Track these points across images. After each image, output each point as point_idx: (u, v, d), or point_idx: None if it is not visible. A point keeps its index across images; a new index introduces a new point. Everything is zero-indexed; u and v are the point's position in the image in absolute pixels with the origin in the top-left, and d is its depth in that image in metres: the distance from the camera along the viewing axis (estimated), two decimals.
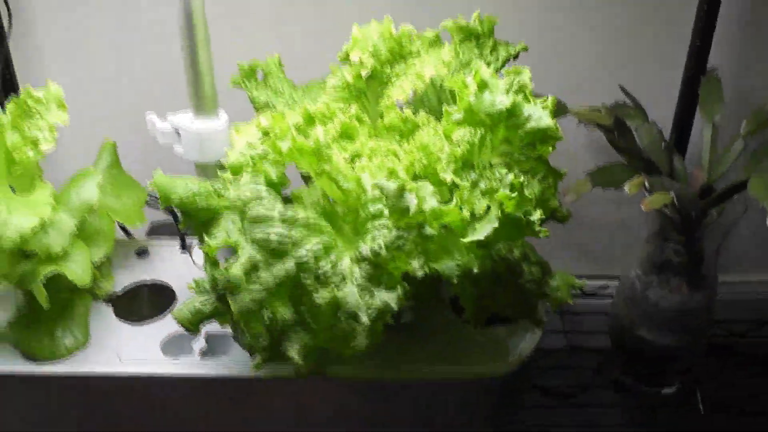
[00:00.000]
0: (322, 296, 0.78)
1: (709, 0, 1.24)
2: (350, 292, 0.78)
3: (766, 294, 1.62)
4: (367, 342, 0.79)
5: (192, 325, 0.93)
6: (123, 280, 1.17)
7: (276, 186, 0.91)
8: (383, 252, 0.78)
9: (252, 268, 0.80)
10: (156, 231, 1.38)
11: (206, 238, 0.93)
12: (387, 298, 0.78)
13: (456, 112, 0.85)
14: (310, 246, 0.81)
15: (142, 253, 1.22)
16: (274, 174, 0.87)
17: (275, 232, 0.81)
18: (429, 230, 0.78)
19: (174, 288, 1.15)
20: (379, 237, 0.80)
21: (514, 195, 0.79)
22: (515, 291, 0.91)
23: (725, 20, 1.32)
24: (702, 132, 1.24)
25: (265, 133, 0.86)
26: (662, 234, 1.23)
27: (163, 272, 1.18)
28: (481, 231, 0.78)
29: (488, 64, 1.04)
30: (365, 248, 0.80)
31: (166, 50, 1.35)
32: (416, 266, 0.79)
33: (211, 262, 0.90)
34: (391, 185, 0.78)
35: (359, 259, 0.80)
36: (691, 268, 1.23)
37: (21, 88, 1.33)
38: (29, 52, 1.37)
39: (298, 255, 0.80)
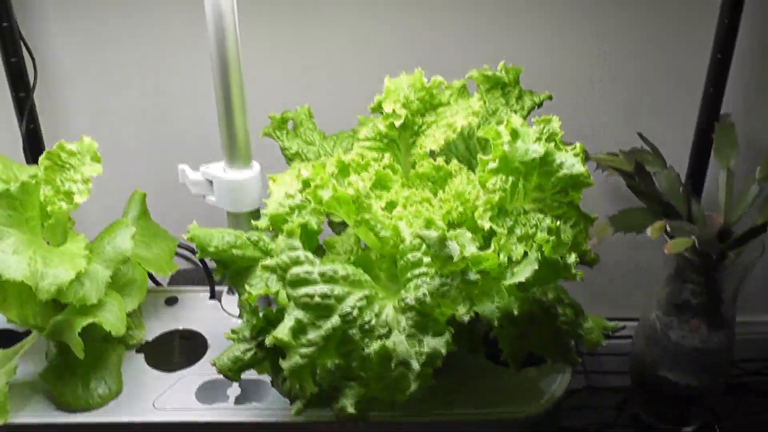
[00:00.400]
0: (372, 347, 0.80)
1: (722, 49, 1.27)
2: (399, 341, 0.80)
3: None
4: (419, 387, 0.80)
5: (232, 373, 0.94)
6: (153, 328, 1.18)
7: (314, 234, 0.93)
8: (428, 299, 0.80)
9: (299, 330, 0.81)
10: (178, 279, 1.40)
11: (247, 287, 0.94)
12: (436, 344, 0.80)
13: (491, 161, 0.88)
14: (353, 300, 0.83)
15: (171, 301, 1.23)
16: (315, 223, 0.89)
17: (318, 291, 0.82)
18: (473, 276, 0.80)
19: (205, 335, 1.17)
20: (422, 285, 0.81)
21: (552, 238, 0.81)
22: (551, 332, 0.93)
23: (738, 68, 1.35)
24: (717, 177, 1.26)
25: (305, 183, 0.88)
26: (681, 275, 1.25)
27: (193, 320, 1.20)
28: (522, 273, 0.80)
29: (514, 112, 1.07)
30: (410, 297, 0.81)
31: (193, 103, 1.38)
32: (462, 312, 0.80)
33: (252, 310, 0.92)
34: (433, 234, 0.80)
35: (404, 308, 0.81)
36: (710, 308, 1.25)
37: (46, 142, 1.37)
38: (55, 106, 1.39)
39: (343, 310, 0.82)
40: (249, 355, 0.93)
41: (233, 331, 0.96)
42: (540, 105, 1.10)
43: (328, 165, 0.96)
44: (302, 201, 0.93)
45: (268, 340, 0.81)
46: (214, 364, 0.95)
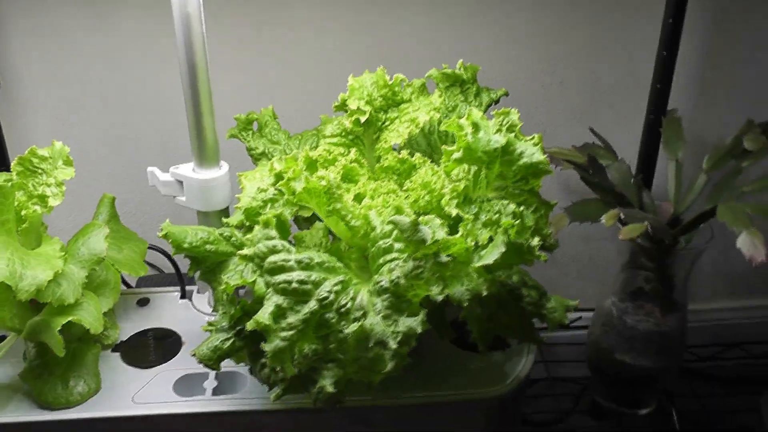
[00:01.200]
0: (350, 328, 0.84)
1: (668, 47, 1.34)
2: (375, 322, 0.84)
3: (729, 319, 1.70)
4: (395, 366, 0.84)
5: (212, 362, 0.97)
6: (127, 328, 1.21)
7: (287, 226, 0.97)
8: (402, 281, 0.84)
9: (279, 314, 0.85)
10: (145, 281, 1.42)
11: (224, 278, 0.98)
12: (411, 323, 0.84)
13: (455, 152, 0.92)
14: (329, 285, 0.86)
15: (143, 302, 1.26)
16: (288, 214, 0.93)
17: (295, 278, 0.86)
18: (444, 257, 0.84)
19: (179, 333, 1.20)
20: (396, 268, 0.85)
21: (517, 222, 0.86)
22: (517, 313, 0.97)
23: (683, 65, 1.41)
24: (666, 168, 1.32)
25: (278, 176, 0.92)
26: (635, 262, 1.31)
27: (166, 319, 1.23)
28: (490, 256, 0.84)
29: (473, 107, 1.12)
30: (384, 280, 0.85)
31: (157, 106, 1.40)
32: (436, 291, 0.84)
33: (229, 300, 0.95)
34: (406, 219, 0.84)
35: (379, 291, 0.85)
36: (663, 293, 1.30)
37: (9, 147, 1.39)
38: (17, 114, 1.41)
39: (320, 295, 0.86)
40: (228, 344, 0.96)
41: (210, 324, 0.99)
42: (497, 101, 1.14)
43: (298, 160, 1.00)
44: (274, 194, 0.97)
45: (250, 325, 0.84)
46: (194, 355, 0.98)
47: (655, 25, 1.36)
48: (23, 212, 1.08)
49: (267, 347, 0.85)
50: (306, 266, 0.86)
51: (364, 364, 0.86)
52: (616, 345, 1.32)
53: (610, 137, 1.37)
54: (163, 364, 1.14)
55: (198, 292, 1.27)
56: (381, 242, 0.89)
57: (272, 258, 0.86)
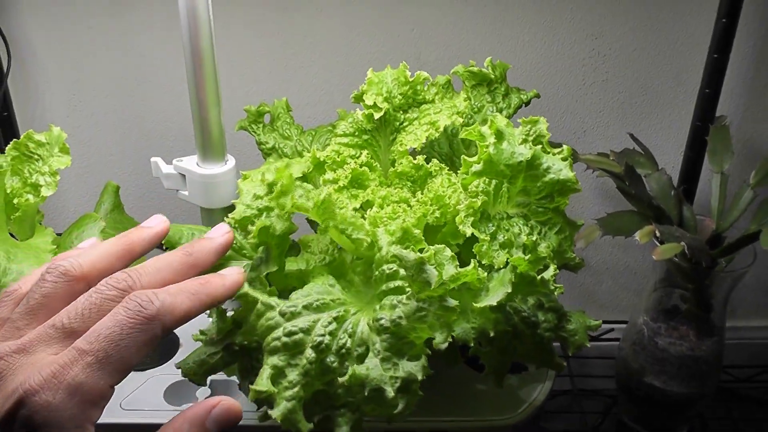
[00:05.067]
0: (345, 376, 0.76)
1: (718, 49, 1.24)
2: (374, 366, 0.76)
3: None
4: (407, 405, 0.76)
5: (198, 377, 0.90)
6: None
7: (285, 236, 0.89)
8: (404, 323, 0.76)
9: (278, 374, 0.77)
10: None
11: None
12: (411, 368, 0.76)
13: (475, 164, 0.84)
14: (322, 327, 0.78)
15: None
16: (279, 228, 0.85)
17: (283, 333, 0.78)
18: (451, 302, 0.76)
19: (177, 333, 1.13)
20: (398, 305, 0.77)
21: (527, 257, 0.78)
22: (533, 341, 0.89)
23: (734, 69, 1.32)
24: (711, 181, 1.23)
25: (270, 187, 0.85)
26: (670, 281, 1.22)
27: None
28: (494, 296, 0.76)
29: (500, 110, 1.03)
30: (385, 318, 0.77)
31: (171, 92, 1.34)
32: (440, 340, 0.76)
33: (218, 313, 0.88)
34: (411, 257, 0.75)
35: (379, 329, 0.77)
36: (700, 315, 1.22)
37: (21, 129, 1.33)
38: (30, 92, 1.36)
39: (314, 341, 0.78)
40: (215, 358, 0.88)
41: (201, 332, 0.93)
42: (527, 103, 1.06)
43: (304, 161, 0.93)
44: (269, 202, 0.89)
45: (251, 397, 0.77)
46: (179, 368, 0.91)
47: (707, 25, 1.27)
48: (16, 200, 1.02)
49: (275, 414, 0.77)
50: (292, 315, 0.78)
51: (377, 404, 0.78)
52: (647, 366, 1.24)
53: (652, 144, 1.29)
54: (157, 368, 1.08)
55: None
56: (386, 267, 0.81)
57: (259, 323, 0.79)
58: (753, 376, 1.54)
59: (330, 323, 0.78)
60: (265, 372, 0.77)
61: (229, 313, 0.90)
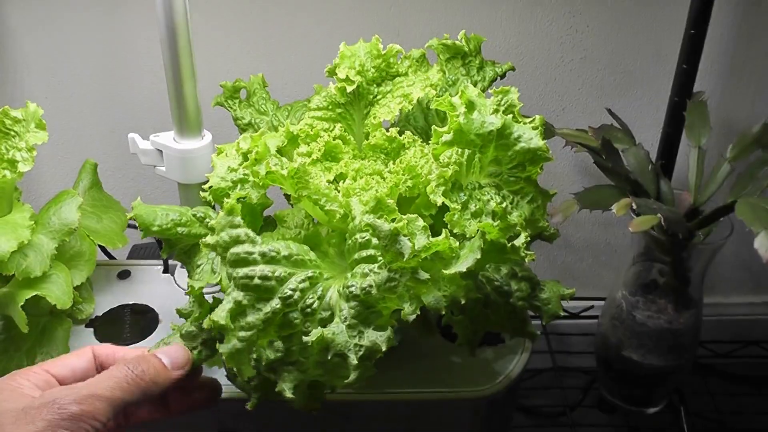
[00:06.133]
0: (311, 336, 0.76)
1: (695, 25, 1.24)
2: (339, 331, 0.76)
3: (750, 315, 1.62)
4: (358, 377, 0.76)
5: None
6: (104, 302, 1.15)
7: (259, 209, 0.89)
8: (374, 292, 0.76)
9: (238, 312, 0.77)
10: (138, 252, 1.36)
11: (189, 281, 0.91)
12: (376, 338, 0.76)
13: (445, 134, 0.84)
14: (295, 282, 0.78)
15: (124, 275, 1.20)
16: (256, 198, 0.85)
17: (258, 273, 0.78)
18: (423, 275, 0.76)
19: (157, 310, 1.13)
20: (370, 273, 0.78)
21: (497, 224, 0.78)
22: (506, 310, 0.89)
23: (713, 46, 1.32)
24: (688, 156, 1.23)
25: (245, 156, 0.85)
26: (649, 255, 1.23)
27: (146, 294, 1.17)
28: (464, 263, 0.76)
29: (475, 83, 1.03)
30: (355, 286, 0.77)
31: (150, 69, 1.34)
32: (409, 311, 0.76)
33: (198, 300, 0.88)
34: (385, 227, 0.75)
35: (348, 296, 0.77)
36: (678, 289, 1.23)
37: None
38: (8, 74, 1.35)
39: (284, 293, 0.78)
40: (194, 353, 0.88)
41: (179, 312, 0.92)
42: (503, 76, 1.06)
43: (278, 135, 0.93)
44: (244, 174, 0.89)
45: (206, 323, 0.77)
46: None
47: (684, 1, 1.26)
48: None
49: (222, 348, 0.77)
50: (271, 260, 0.78)
51: (326, 369, 0.78)
52: (625, 341, 1.25)
53: (631, 120, 1.29)
54: (137, 343, 1.08)
55: (182, 267, 1.21)
56: (359, 236, 0.81)
57: (235, 249, 0.78)
58: (731, 351, 1.55)
59: (303, 281, 0.78)
60: (227, 305, 0.77)
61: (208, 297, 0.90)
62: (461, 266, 0.76)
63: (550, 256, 1.55)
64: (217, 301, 0.81)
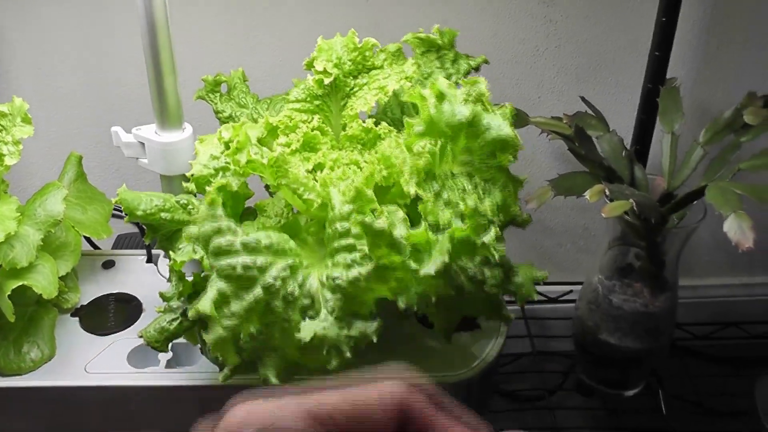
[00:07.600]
0: (303, 334, 0.78)
1: (666, 12, 1.26)
2: (328, 325, 0.78)
3: (726, 297, 1.64)
4: (338, 366, 0.79)
5: (159, 344, 0.93)
6: (89, 292, 1.17)
7: (240, 197, 0.92)
8: (362, 283, 0.79)
9: (222, 301, 0.80)
10: (122, 243, 1.38)
11: (172, 254, 0.93)
12: (365, 328, 0.79)
13: (417, 124, 0.86)
14: (276, 270, 0.81)
15: (108, 264, 1.22)
16: (236, 185, 0.87)
17: (240, 262, 0.80)
18: (413, 264, 0.79)
19: (140, 299, 1.16)
20: (354, 264, 0.80)
21: (466, 224, 0.80)
22: (480, 297, 0.92)
23: (686, 34, 1.35)
24: (662, 141, 1.25)
25: (227, 144, 0.87)
26: (624, 240, 1.25)
27: (130, 284, 1.19)
28: (432, 265, 0.78)
29: (449, 76, 1.06)
30: (341, 276, 0.80)
31: (133, 62, 1.36)
32: (402, 304, 0.79)
33: (178, 276, 0.91)
34: (381, 224, 0.78)
35: (333, 288, 0.80)
36: (653, 272, 1.25)
37: None
38: None
39: (266, 281, 0.80)
40: (175, 324, 0.91)
41: (162, 296, 0.95)
42: (477, 69, 1.08)
43: (258, 126, 0.95)
44: (226, 162, 0.92)
45: (191, 313, 0.80)
46: (141, 336, 0.94)
47: None
48: None
49: (207, 337, 0.80)
50: (252, 250, 0.81)
51: (307, 352, 0.81)
52: (601, 324, 1.27)
53: (606, 107, 1.31)
54: (121, 332, 1.10)
55: (164, 257, 1.23)
56: (338, 225, 0.83)
57: (217, 240, 0.81)
58: (709, 333, 1.57)
59: (284, 270, 0.81)
60: (211, 295, 0.79)
61: (189, 278, 0.92)
62: (429, 268, 0.78)
63: (529, 241, 1.58)
64: (198, 277, 0.84)
